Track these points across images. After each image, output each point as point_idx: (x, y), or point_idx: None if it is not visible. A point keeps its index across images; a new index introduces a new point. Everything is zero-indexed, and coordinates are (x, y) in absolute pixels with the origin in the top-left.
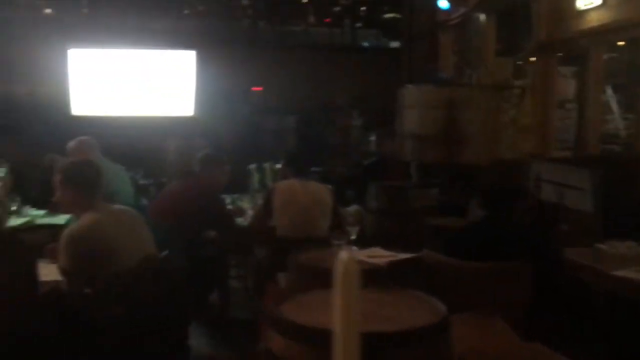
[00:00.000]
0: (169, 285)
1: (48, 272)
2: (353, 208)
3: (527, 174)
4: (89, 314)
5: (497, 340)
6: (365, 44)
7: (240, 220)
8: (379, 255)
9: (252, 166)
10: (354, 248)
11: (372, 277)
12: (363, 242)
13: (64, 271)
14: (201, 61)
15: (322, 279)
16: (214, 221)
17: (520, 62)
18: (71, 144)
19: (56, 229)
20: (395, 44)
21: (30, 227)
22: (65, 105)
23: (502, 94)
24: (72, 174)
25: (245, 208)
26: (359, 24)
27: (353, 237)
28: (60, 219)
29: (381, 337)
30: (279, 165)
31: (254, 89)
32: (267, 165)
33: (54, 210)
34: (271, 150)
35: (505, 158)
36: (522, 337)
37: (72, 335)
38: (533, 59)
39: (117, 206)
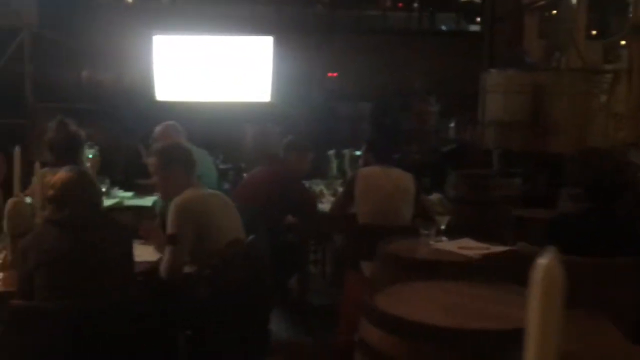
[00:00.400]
0: (254, 270)
1: (140, 252)
2: (435, 196)
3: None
4: (181, 293)
5: (603, 342)
6: (443, 28)
7: (321, 207)
8: (471, 247)
9: (331, 152)
10: (444, 238)
11: (465, 269)
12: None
13: (172, 238)
14: (278, 47)
15: (412, 270)
16: (296, 207)
17: (612, 45)
18: (158, 128)
19: (142, 210)
20: (474, 28)
21: (118, 209)
22: (150, 90)
23: (593, 78)
24: (170, 155)
25: (324, 194)
26: (436, 8)
27: (442, 226)
28: (147, 200)
29: (499, 335)
30: (358, 152)
31: (330, 75)
32: (346, 151)
33: (141, 192)
34: (346, 136)
35: (597, 147)
36: (632, 339)
37: (163, 315)
38: (626, 41)
39: (209, 189)
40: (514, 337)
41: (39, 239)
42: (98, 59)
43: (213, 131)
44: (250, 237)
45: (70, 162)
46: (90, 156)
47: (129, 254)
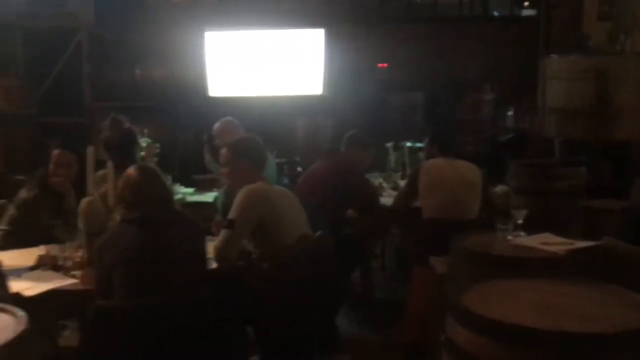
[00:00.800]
0: (323, 266)
1: (211, 249)
2: (501, 188)
3: None
4: (253, 290)
5: None
6: (496, 14)
7: (381, 201)
8: (554, 243)
9: (389, 144)
10: (522, 234)
11: (551, 267)
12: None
13: (230, 222)
14: (328, 39)
15: (495, 267)
16: (357, 201)
17: None
18: (216, 125)
19: (204, 206)
20: (528, 12)
21: (181, 205)
22: (203, 86)
23: None
24: (243, 148)
25: (384, 187)
26: None
27: (520, 221)
28: (209, 196)
29: (601, 339)
30: (419, 145)
31: (380, 65)
32: (405, 143)
33: (201, 188)
34: (398, 128)
35: None
36: None
37: (232, 311)
38: None
39: (276, 186)
40: (618, 341)
41: (115, 238)
42: (151, 56)
43: (266, 125)
44: (318, 233)
45: (126, 158)
46: (145, 144)
47: (203, 250)
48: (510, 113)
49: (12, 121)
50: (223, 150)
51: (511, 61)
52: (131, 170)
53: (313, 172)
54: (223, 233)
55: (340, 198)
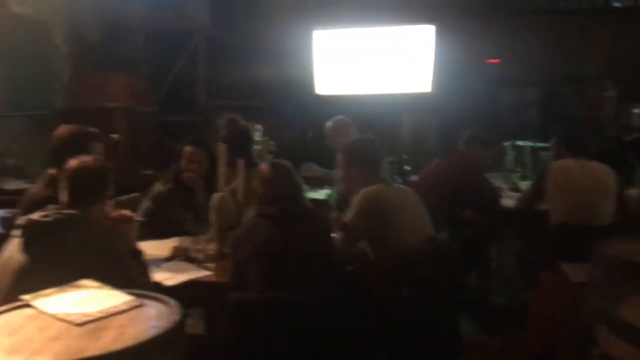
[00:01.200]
0: (447, 268)
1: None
2: (635, 191)
3: None
4: (377, 290)
5: None
6: (617, 5)
7: (502, 202)
8: None
9: (507, 144)
10: None
11: None
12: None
13: (343, 225)
14: (439, 35)
15: None
16: (476, 202)
17: None
18: (328, 124)
19: (318, 203)
20: None
21: None
22: (310, 85)
23: None
24: (357, 151)
25: (503, 188)
26: None
27: None
28: (320, 194)
29: None
30: (542, 144)
31: (489, 61)
32: (525, 142)
33: (313, 185)
34: (511, 126)
35: None
36: None
37: (357, 310)
38: None
39: (398, 185)
40: None
41: (249, 233)
42: (261, 56)
43: (373, 124)
44: (441, 234)
45: (242, 155)
46: (259, 138)
47: (332, 248)
48: (635, 111)
49: (136, 120)
50: (337, 155)
51: (635, 55)
52: (265, 166)
53: (430, 171)
54: (339, 236)
55: (458, 198)
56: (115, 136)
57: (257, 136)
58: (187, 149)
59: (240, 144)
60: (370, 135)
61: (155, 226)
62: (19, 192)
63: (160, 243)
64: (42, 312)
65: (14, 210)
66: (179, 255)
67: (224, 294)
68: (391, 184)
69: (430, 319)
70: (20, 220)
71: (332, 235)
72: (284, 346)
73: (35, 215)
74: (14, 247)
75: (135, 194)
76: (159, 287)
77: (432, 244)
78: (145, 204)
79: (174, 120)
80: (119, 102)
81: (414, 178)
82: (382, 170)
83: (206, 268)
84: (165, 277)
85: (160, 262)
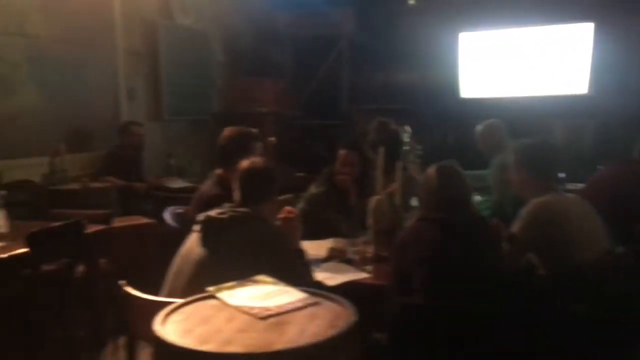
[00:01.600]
0: (632, 285)
1: None
2: None
3: None
4: (549, 305)
5: None
6: None
7: None
8: None
9: None
10: None
11: None
12: None
13: (510, 236)
14: (598, 33)
15: None
16: None
17: None
18: (479, 127)
19: None
20: None
21: None
22: (454, 88)
23: None
24: (526, 155)
25: None
26: None
27: None
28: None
29: None
30: None
31: None
32: None
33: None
34: None
35: None
36: None
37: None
38: None
39: (572, 194)
40: None
41: (414, 237)
42: (404, 60)
43: (519, 127)
44: (619, 247)
45: (393, 158)
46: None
47: (500, 258)
48: None
49: (282, 123)
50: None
51: None
52: (430, 170)
53: (595, 180)
54: (505, 246)
55: (630, 209)
56: (272, 139)
57: (406, 137)
58: (341, 152)
59: (393, 147)
60: (543, 138)
61: (309, 227)
62: (181, 190)
63: (314, 243)
64: (226, 304)
65: (185, 207)
66: (335, 256)
67: (382, 297)
68: (562, 193)
69: (609, 341)
70: (200, 216)
71: (501, 244)
72: (443, 354)
73: (213, 213)
74: (194, 241)
75: (289, 195)
76: (321, 287)
77: (612, 259)
78: (300, 205)
79: (317, 124)
80: (267, 106)
81: (570, 186)
82: (555, 177)
83: (364, 270)
84: (325, 276)
85: (318, 262)
